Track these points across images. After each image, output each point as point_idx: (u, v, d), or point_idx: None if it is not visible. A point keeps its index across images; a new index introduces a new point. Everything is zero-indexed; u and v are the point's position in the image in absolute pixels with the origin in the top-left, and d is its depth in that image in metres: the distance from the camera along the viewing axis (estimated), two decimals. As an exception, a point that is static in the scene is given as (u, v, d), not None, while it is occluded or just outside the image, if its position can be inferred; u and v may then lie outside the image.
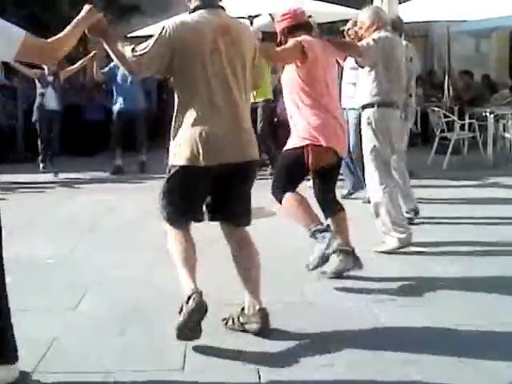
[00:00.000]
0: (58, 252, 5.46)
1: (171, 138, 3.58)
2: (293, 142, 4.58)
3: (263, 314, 3.64)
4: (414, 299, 4.28)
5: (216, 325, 3.85)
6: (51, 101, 9.81)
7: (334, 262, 4.46)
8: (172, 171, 3.57)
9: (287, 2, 10.41)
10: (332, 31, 6.19)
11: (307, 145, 4.46)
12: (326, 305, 4.22)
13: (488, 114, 10.11)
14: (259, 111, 8.98)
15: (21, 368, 3.15)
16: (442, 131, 10.18)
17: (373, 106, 5.30)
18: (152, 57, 3.45)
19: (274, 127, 10.46)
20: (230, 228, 3.78)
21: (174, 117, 3.57)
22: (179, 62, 3.46)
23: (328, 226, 4.49)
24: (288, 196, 4.50)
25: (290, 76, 4.57)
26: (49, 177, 9.49)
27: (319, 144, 4.44)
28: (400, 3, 9.37)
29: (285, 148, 4.67)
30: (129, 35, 11.34)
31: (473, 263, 5.03)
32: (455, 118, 10.44)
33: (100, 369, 3.34)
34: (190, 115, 3.48)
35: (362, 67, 5.36)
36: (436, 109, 10.50)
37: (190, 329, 3.36)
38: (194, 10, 3.56)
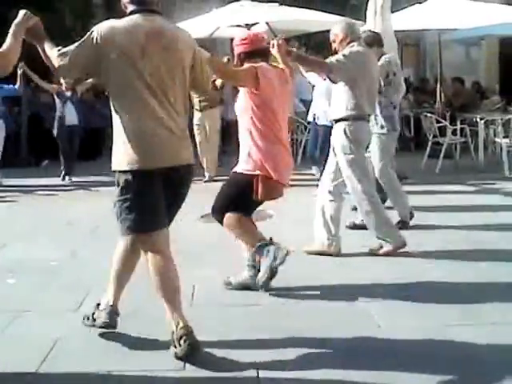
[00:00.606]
0: (61, 254, 5.44)
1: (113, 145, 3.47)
2: (245, 167, 4.32)
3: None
4: (406, 302, 4.26)
5: (216, 325, 3.84)
6: (70, 116, 9.71)
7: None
8: (122, 179, 3.42)
9: (283, 11, 10.54)
10: (327, 39, 6.12)
11: (258, 176, 4.23)
12: (321, 306, 4.20)
13: (479, 120, 10.13)
14: None
15: (24, 368, 3.13)
16: (435, 136, 10.20)
17: (347, 120, 5.18)
18: (73, 59, 3.34)
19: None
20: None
21: (113, 122, 3.45)
22: (109, 66, 3.33)
23: (271, 238, 4.28)
24: (228, 215, 4.32)
25: (243, 101, 4.34)
26: (52, 181, 9.46)
27: (270, 177, 4.23)
28: (393, 12, 9.39)
29: (236, 168, 4.41)
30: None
31: (463, 266, 5.03)
32: (447, 123, 10.45)
33: (102, 369, 3.33)
34: (127, 120, 3.37)
35: (335, 83, 5.26)
36: (428, 114, 10.52)
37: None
38: (130, 14, 3.47)
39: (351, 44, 5.18)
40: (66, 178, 9.68)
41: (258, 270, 4.25)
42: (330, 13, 10.61)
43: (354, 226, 6.11)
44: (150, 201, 3.40)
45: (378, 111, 6.03)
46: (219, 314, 4.07)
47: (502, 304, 4.17)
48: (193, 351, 3.32)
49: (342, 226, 5.47)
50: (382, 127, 6.21)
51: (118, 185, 3.43)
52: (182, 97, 3.51)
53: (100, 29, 3.37)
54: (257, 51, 4.31)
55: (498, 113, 11.56)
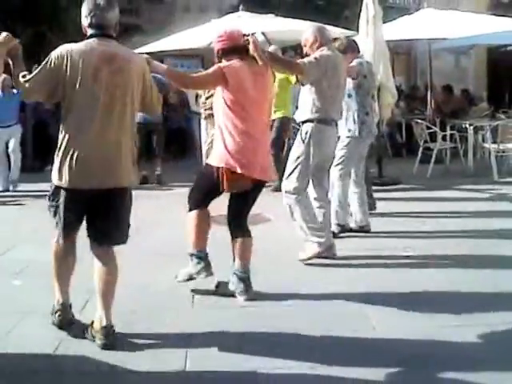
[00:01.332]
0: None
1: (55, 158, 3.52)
2: (212, 160, 4.32)
3: (107, 332, 3.57)
4: (403, 304, 4.25)
5: (216, 325, 3.83)
6: None
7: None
8: (53, 190, 3.59)
9: (278, 21, 10.55)
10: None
11: (222, 168, 4.19)
12: (319, 308, 4.19)
13: (468, 126, 10.15)
14: (275, 124, 8.59)
15: (30, 369, 3.12)
16: (426, 142, 10.22)
17: (312, 122, 5.07)
18: (34, 83, 3.41)
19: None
20: (94, 244, 3.71)
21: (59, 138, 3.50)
22: (65, 87, 3.39)
23: (207, 254, 4.36)
24: (194, 212, 4.33)
25: (217, 99, 4.32)
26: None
27: (234, 171, 4.17)
28: (384, 23, 9.41)
29: (207, 160, 4.49)
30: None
31: (456, 268, 5.05)
32: (437, 129, 10.47)
33: (103, 369, 3.33)
34: (69, 138, 3.42)
35: (303, 84, 5.16)
36: (419, 121, 10.55)
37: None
38: (89, 38, 3.51)
39: (321, 48, 5.08)
40: None
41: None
42: (323, 23, 10.62)
43: (350, 230, 6.05)
44: (70, 215, 3.55)
45: (347, 115, 5.88)
46: (219, 315, 4.05)
47: (496, 305, 4.16)
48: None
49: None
50: (348, 131, 5.99)
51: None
52: (130, 117, 3.53)
53: (57, 52, 3.43)
54: (234, 48, 4.23)
55: (486, 119, 11.58)
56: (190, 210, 4.36)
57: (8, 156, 9.38)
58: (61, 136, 3.46)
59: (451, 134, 10.52)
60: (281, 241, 5.59)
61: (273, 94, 4.58)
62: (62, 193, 3.49)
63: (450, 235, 6.05)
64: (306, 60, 4.98)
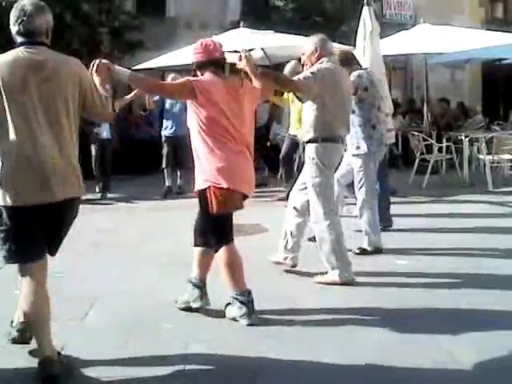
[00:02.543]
0: (66, 266, 5.40)
1: None
2: (198, 183, 4.06)
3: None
4: (399, 312, 4.25)
5: (216, 332, 3.82)
6: (104, 131, 9.67)
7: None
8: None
9: (277, 37, 10.60)
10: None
11: (209, 187, 3.95)
12: (318, 316, 4.17)
13: (463, 138, 10.16)
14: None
15: (31, 377, 3.11)
16: (422, 153, 10.22)
17: (316, 141, 4.74)
18: None
19: (267, 150, 10.45)
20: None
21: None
22: (2, 102, 3.16)
23: (204, 284, 4.20)
24: (224, 250, 4.02)
25: (191, 115, 4.06)
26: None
27: (221, 187, 3.93)
28: (381, 38, 9.43)
29: (195, 188, 4.14)
30: (133, 68, 11.39)
31: (450, 277, 5.02)
32: (433, 141, 10.48)
33: (105, 375, 3.30)
34: (6, 152, 3.18)
35: (302, 102, 4.93)
36: (416, 133, 10.56)
37: None
38: (18, 46, 3.30)
39: (321, 60, 4.77)
40: (106, 193, 9.56)
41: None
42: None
43: (363, 251, 5.67)
44: (22, 234, 3.25)
45: (353, 132, 5.51)
46: (218, 322, 4.03)
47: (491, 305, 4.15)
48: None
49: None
50: (357, 148, 5.67)
51: None
52: (69, 125, 3.31)
53: None
54: (210, 61, 4.03)
55: (481, 131, 11.62)
56: (217, 249, 4.07)
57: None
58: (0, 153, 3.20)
59: (447, 146, 10.53)
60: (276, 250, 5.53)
61: (254, 107, 4.27)
62: (8, 212, 3.20)
63: (445, 245, 6.01)
64: (301, 76, 4.67)
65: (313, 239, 5.08)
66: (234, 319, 3.98)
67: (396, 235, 6.30)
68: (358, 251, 5.61)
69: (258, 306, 4.16)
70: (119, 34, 13.19)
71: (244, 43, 10.27)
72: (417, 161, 10.23)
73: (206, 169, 3.99)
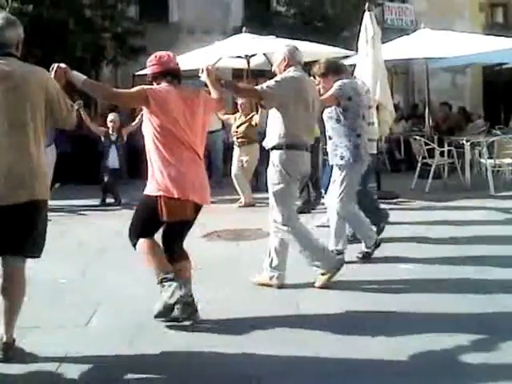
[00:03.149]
0: (70, 272, 5.40)
1: None
2: (149, 189, 4.08)
3: (5, 347, 3.50)
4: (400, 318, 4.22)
5: (218, 335, 3.79)
6: (113, 160, 9.65)
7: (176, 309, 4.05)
8: None
9: (279, 43, 10.59)
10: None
11: (160, 196, 3.98)
12: (320, 321, 4.14)
13: (465, 142, 10.13)
14: None
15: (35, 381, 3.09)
16: (424, 158, 10.20)
17: (280, 148, 4.72)
18: None
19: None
20: (5, 261, 3.58)
21: None
22: None
23: (175, 272, 4.08)
24: (141, 241, 4.09)
25: (146, 122, 4.09)
26: (63, 202, 9.40)
27: (172, 196, 3.96)
28: (383, 43, 9.43)
29: (145, 191, 4.16)
30: (136, 73, 11.40)
31: (452, 281, 4.99)
32: (435, 145, 10.45)
33: (109, 380, 3.29)
34: None
35: (264, 109, 4.92)
36: (418, 138, 10.55)
37: None
38: None
39: (288, 69, 4.79)
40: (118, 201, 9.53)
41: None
42: (323, 44, 10.68)
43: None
44: None
45: (338, 141, 5.47)
46: (219, 327, 4.01)
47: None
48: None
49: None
50: (341, 158, 5.49)
51: None
52: (34, 131, 3.44)
53: None
54: (165, 72, 4.09)
55: (482, 135, 11.59)
56: (134, 244, 4.13)
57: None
58: None
59: (449, 150, 10.51)
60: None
61: (207, 118, 4.28)
62: None
63: (446, 248, 5.98)
64: (264, 85, 4.71)
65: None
66: (172, 294, 3.96)
67: (398, 239, 6.26)
68: (360, 256, 5.59)
69: (260, 312, 4.14)
70: (122, 39, 13.23)
71: (246, 48, 10.31)
72: (419, 165, 10.21)
73: (158, 177, 4.01)
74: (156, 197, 4.00)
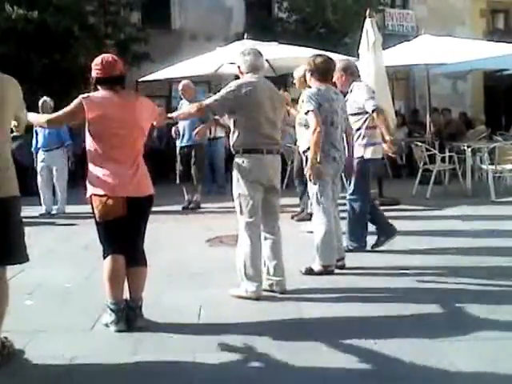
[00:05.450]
0: (75, 277, 5.44)
1: None
2: (87, 194, 4.12)
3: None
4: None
5: (220, 341, 3.83)
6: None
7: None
8: None
9: (281, 49, 10.65)
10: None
11: (91, 195, 4.04)
12: (324, 325, 4.18)
13: (466, 148, 10.15)
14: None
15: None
16: (425, 164, 10.22)
17: (238, 153, 4.75)
18: None
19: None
20: None
21: None
22: None
23: (126, 300, 4.12)
24: (107, 260, 4.07)
25: (86, 125, 4.13)
26: (70, 208, 9.44)
27: (100, 194, 3.99)
28: (384, 49, 9.48)
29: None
30: (140, 80, 11.46)
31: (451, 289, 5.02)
32: (436, 151, 10.48)
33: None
34: None
35: (220, 117, 4.98)
36: (419, 144, 10.56)
37: None
38: None
39: (246, 74, 4.82)
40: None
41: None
42: (324, 50, 10.72)
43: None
44: None
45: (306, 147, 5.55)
46: (224, 332, 4.04)
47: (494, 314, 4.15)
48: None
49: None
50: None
51: None
52: (5, 131, 3.57)
53: None
54: (109, 78, 4.10)
55: (483, 141, 11.63)
56: (104, 257, 4.12)
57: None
58: None
59: (450, 156, 10.53)
60: (286, 258, 5.55)
61: (147, 121, 4.27)
62: None
63: (447, 255, 6.01)
64: (210, 99, 4.82)
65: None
66: (107, 325, 4.10)
67: (399, 245, 6.29)
68: (303, 271, 5.37)
69: (262, 319, 4.17)
70: (125, 46, 13.30)
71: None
72: (420, 171, 10.24)
73: (90, 177, 4.09)
74: (89, 198, 4.08)
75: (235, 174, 4.78)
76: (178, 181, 9.73)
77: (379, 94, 8.48)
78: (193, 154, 9.51)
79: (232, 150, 4.85)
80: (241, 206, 4.75)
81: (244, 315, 4.34)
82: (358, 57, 9.11)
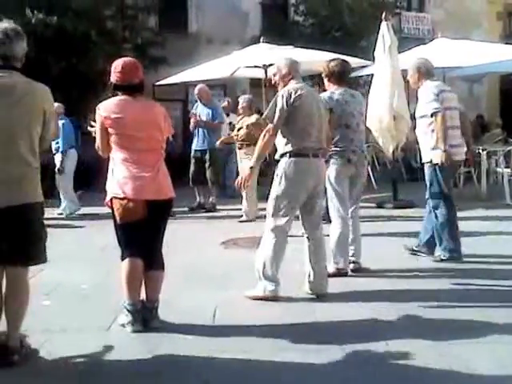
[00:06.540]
0: (92, 278, 5.47)
1: None
2: (107, 198, 4.15)
3: (10, 351, 3.52)
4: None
5: (235, 343, 3.84)
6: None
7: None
8: None
9: (297, 52, 10.65)
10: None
11: (111, 199, 4.06)
12: (337, 326, 4.19)
13: (481, 151, 10.09)
14: None
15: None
16: (440, 167, 10.14)
17: (284, 156, 4.79)
18: None
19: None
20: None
21: None
22: None
23: (143, 301, 4.14)
24: (125, 262, 4.09)
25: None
26: (86, 210, 9.50)
27: (120, 196, 3.99)
28: (400, 53, 9.45)
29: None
30: (157, 83, 11.51)
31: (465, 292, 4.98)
32: (451, 154, 10.40)
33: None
34: None
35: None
36: (434, 146, 10.48)
37: None
38: None
39: (292, 80, 4.87)
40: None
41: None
42: (340, 54, 10.71)
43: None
44: None
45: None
46: (239, 333, 4.05)
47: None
48: None
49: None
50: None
51: None
52: (28, 142, 3.49)
53: None
54: (128, 86, 4.08)
55: (499, 144, 11.54)
56: (122, 259, 4.14)
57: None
58: None
59: (465, 159, 10.44)
60: (295, 261, 5.53)
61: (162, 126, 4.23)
62: None
63: (463, 257, 5.97)
64: (274, 121, 4.72)
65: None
66: (123, 325, 4.12)
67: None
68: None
69: (276, 320, 4.18)
70: (143, 50, 13.36)
71: (264, 58, 10.36)
72: (435, 174, 10.16)
73: (110, 180, 4.10)
74: (109, 201, 4.09)
75: (279, 175, 4.79)
76: (191, 183, 9.79)
77: (395, 97, 8.51)
78: (207, 157, 9.56)
79: (278, 153, 4.87)
80: (275, 208, 4.77)
81: (259, 317, 4.35)
82: (374, 60, 9.10)
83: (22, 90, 3.48)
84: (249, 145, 8.73)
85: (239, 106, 9.20)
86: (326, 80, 5.64)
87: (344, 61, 5.70)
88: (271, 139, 4.83)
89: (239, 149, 9.03)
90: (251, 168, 4.87)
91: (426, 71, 6.00)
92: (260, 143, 4.86)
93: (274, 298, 4.68)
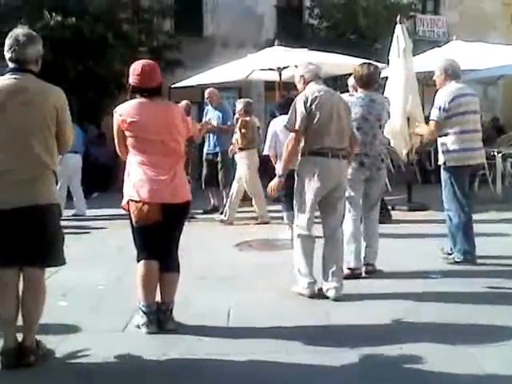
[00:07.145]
0: (108, 279, 5.50)
1: None
2: (123, 201, 4.17)
3: (27, 352, 3.53)
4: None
5: (249, 344, 3.84)
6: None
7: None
8: None
9: (311, 55, 10.64)
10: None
11: (128, 201, 4.08)
12: (351, 329, 4.18)
13: (496, 153, 10.02)
14: None
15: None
16: (455, 169, 10.08)
17: (303, 155, 4.87)
18: None
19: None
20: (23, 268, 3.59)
21: None
22: None
23: (158, 303, 4.15)
24: (140, 263, 4.11)
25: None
26: (102, 211, 9.55)
27: (136, 199, 4.00)
28: (414, 55, 9.41)
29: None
30: (172, 86, 11.55)
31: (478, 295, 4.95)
32: (466, 157, 10.34)
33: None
34: None
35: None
36: (449, 149, 10.42)
37: None
38: (8, 71, 3.56)
39: (309, 84, 4.94)
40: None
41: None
42: (355, 56, 10.69)
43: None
44: None
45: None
46: (253, 335, 4.05)
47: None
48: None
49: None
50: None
51: None
52: (44, 145, 3.53)
53: None
54: (146, 89, 4.08)
55: (514, 147, 11.45)
56: (138, 260, 4.16)
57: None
58: None
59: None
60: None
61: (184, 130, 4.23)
62: None
63: (477, 259, 5.93)
64: (296, 125, 4.78)
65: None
66: (138, 327, 4.13)
67: (427, 251, 6.23)
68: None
69: (290, 322, 4.18)
70: (158, 53, 13.40)
71: (278, 61, 10.38)
72: (449, 176, 10.10)
73: (127, 183, 4.11)
74: (126, 205, 4.11)
75: (298, 174, 4.90)
76: (203, 186, 9.80)
77: (409, 100, 8.47)
78: (219, 159, 9.57)
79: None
80: (296, 206, 4.93)
81: (273, 318, 4.35)
82: (388, 63, 9.06)
83: (34, 90, 3.54)
84: (241, 149, 8.70)
85: (236, 110, 9.00)
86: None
87: (370, 65, 5.71)
88: (296, 146, 4.87)
89: (235, 153, 8.91)
90: (279, 176, 4.97)
91: (452, 73, 5.98)
92: (285, 153, 4.94)
93: (310, 295, 4.81)
